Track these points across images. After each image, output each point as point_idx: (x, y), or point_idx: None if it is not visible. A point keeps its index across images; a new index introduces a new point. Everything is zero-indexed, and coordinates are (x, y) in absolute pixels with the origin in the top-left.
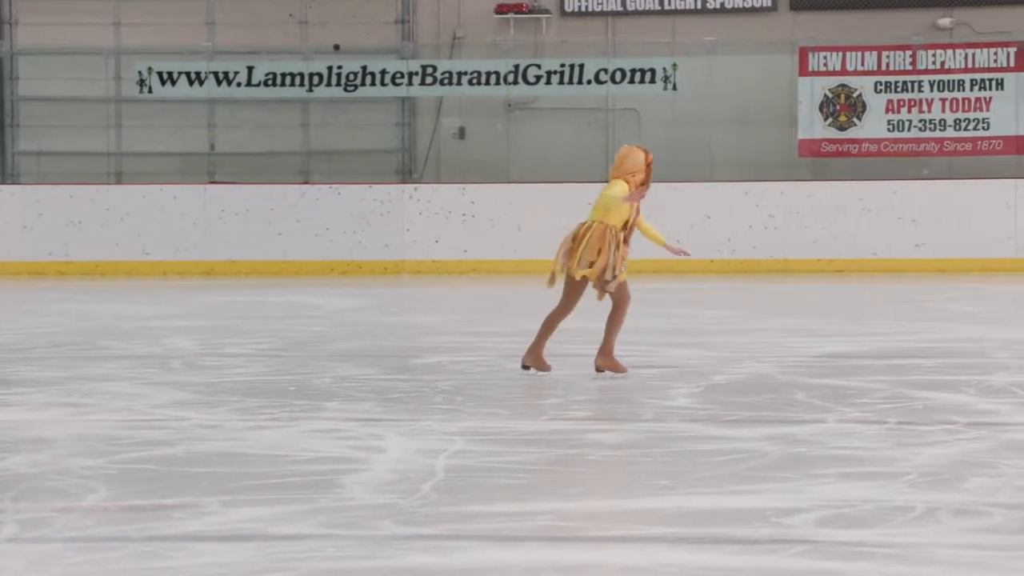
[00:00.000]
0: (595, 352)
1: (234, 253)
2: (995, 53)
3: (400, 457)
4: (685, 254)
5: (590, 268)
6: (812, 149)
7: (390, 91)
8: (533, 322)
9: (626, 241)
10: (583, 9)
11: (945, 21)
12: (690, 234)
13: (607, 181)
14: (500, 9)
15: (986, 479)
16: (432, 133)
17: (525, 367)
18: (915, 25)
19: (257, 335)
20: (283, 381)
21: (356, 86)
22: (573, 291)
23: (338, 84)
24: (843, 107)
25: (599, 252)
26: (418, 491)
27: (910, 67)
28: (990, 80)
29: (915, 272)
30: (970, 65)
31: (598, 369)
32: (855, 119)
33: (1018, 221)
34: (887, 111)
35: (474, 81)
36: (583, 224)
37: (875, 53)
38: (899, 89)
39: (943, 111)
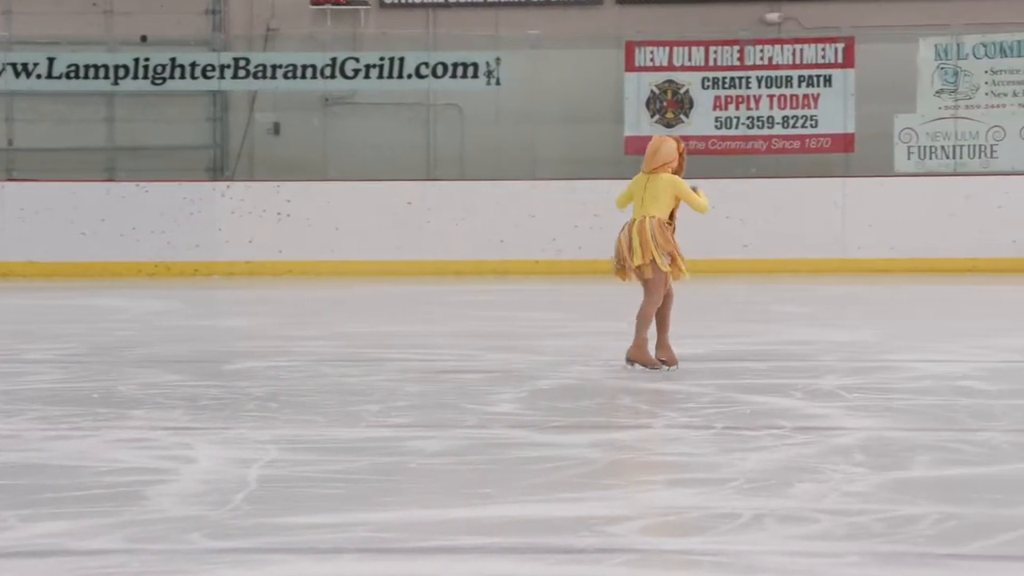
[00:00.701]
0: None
1: (34, 254)
2: (823, 49)
3: (210, 467)
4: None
5: (671, 262)
6: (639, 147)
7: (200, 85)
8: (351, 324)
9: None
10: (403, 0)
11: (773, 16)
12: (514, 234)
13: (430, 179)
14: (316, 0)
15: (813, 485)
16: (245, 129)
17: (662, 361)
18: (743, 19)
19: (59, 340)
20: (86, 388)
21: (164, 79)
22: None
23: (145, 77)
24: (670, 103)
25: (668, 242)
26: (229, 502)
27: (738, 63)
28: (818, 76)
29: (743, 273)
30: (798, 61)
31: (661, 361)
32: (682, 116)
33: (846, 221)
34: (715, 108)
35: (289, 74)
36: (635, 221)
37: (702, 48)
38: (726, 85)
39: (771, 108)
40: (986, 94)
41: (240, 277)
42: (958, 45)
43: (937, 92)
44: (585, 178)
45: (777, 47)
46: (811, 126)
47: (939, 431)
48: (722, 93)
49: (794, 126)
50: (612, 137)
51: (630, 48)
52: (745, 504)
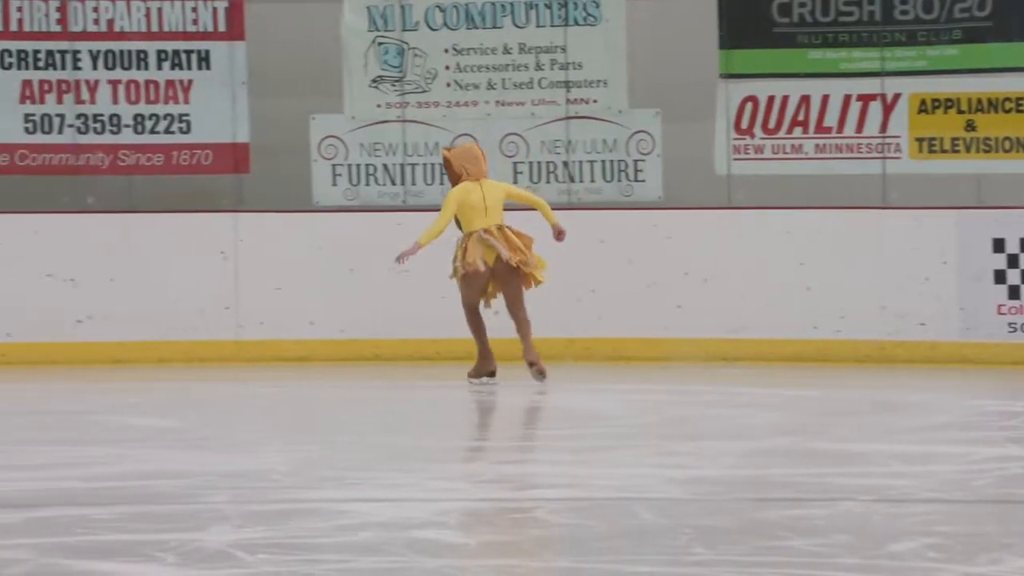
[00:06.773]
0: None
1: None
2: (194, 8)
3: None
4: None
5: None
6: None
7: None
8: None
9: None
10: None
11: None
12: None
13: None
14: None
15: None
16: None
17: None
18: None
19: None
20: None
21: None
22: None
23: None
24: None
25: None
26: None
27: (59, 28)
28: (189, 53)
29: (72, 364)
30: (156, 28)
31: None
32: None
33: (240, 281)
34: None
35: None
36: (489, 230)
37: None
38: (40, 64)
39: (116, 101)
40: (448, 85)
41: None
42: (403, 8)
43: (374, 81)
44: None
45: (121, 4)
46: (181, 131)
47: None
48: (34, 76)
49: (155, 131)
50: None
51: None
52: None
